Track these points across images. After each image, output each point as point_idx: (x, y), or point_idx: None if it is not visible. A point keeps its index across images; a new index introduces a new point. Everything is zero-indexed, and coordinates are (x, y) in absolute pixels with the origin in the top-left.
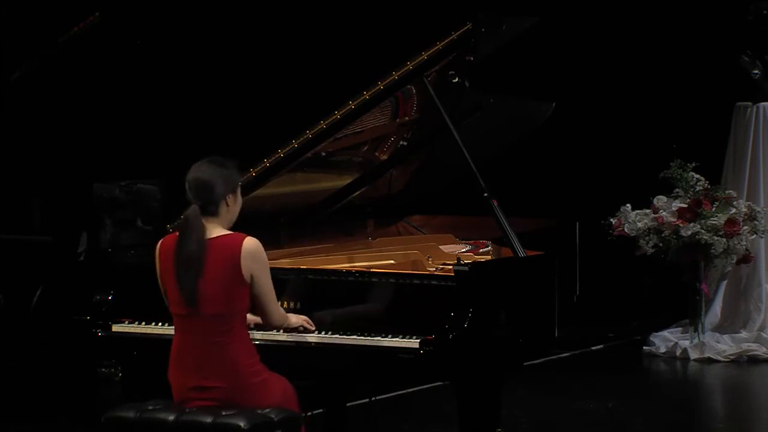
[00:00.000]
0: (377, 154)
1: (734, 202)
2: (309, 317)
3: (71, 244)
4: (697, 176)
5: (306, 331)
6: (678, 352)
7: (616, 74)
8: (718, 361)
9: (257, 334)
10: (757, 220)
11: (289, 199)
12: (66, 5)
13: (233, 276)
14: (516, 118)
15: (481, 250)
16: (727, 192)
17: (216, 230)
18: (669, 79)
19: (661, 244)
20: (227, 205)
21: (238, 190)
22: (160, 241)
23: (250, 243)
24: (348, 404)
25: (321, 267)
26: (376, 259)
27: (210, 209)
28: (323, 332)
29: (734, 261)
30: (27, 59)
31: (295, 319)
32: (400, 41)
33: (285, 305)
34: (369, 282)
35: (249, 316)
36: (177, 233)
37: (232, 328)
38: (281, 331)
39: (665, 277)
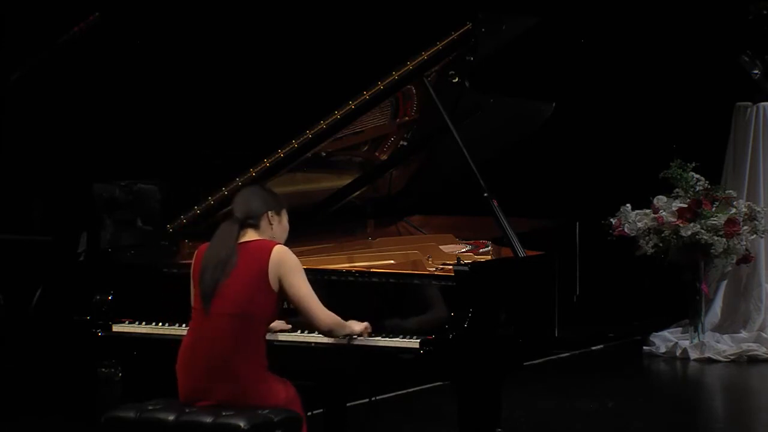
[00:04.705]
0: (377, 154)
1: (734, 202)
2: None
3: (71, 244)
4: (697, 176)
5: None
6: (678, 352)
7: (617, 74)
8: (718, 361)
9: None
10: (757, 220)
11: (289, 199)
12: (66, 5)
13: (259, 281)
14: (516, 118)
15: (481, 250)
16: (727, 192)
17: (251, 236)
18: (669, 79)
19: (661, 244)
20: (270, 223)
21: (283, 214)
22: (200, 246)
23: (279, 250)
24: (348, 404)
25: (321, 267)
26: (376, 259)
27: (250, 222)
28: None
29: (734, 261)
30: (27, 59)
31: (359, 327)
32: (400, 41)
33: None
34: (369, 282)
35: (276, 322)
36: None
37: (247, 333)
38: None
39: (665, 277)
